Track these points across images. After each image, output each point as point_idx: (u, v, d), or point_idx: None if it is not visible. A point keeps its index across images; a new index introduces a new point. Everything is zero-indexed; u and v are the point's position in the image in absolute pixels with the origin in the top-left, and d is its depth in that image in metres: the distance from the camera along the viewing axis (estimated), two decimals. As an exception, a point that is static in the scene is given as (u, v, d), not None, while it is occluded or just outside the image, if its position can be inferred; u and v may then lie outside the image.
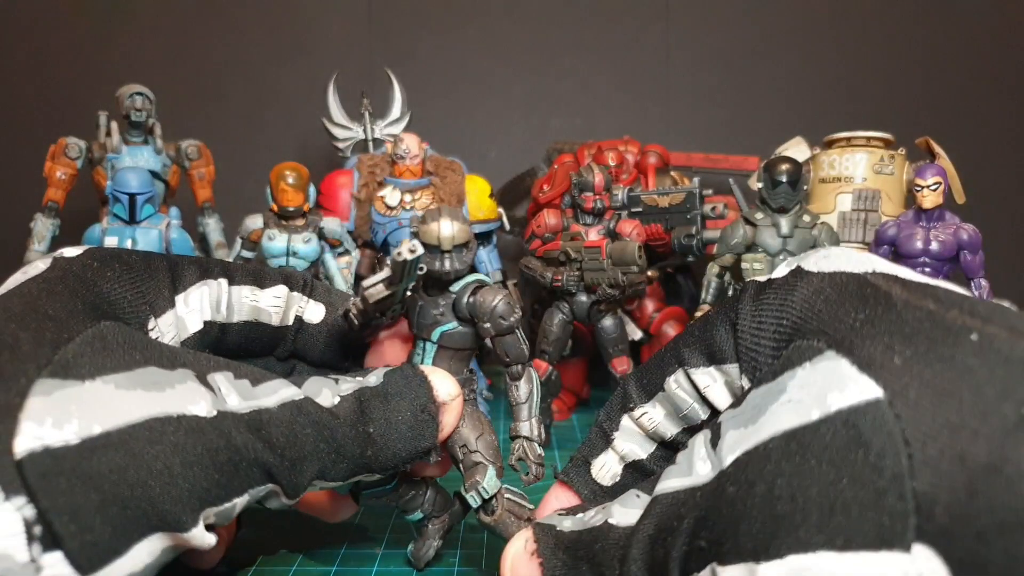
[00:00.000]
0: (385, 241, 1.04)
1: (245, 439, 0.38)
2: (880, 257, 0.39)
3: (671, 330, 1.08)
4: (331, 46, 1.50)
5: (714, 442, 0.35)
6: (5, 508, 0.32)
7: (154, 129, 1.13)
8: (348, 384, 0.45)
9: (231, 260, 0.86)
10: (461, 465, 0.50)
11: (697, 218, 0.94)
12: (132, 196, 0.93)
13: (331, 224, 1.01)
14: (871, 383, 0.29)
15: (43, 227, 1.08)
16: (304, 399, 0.42)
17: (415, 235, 0.50)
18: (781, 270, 0.40)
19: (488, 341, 0.51)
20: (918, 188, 0.91)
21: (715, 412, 0.43)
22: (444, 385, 0.47)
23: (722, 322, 0.42)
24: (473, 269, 0.52)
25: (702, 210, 0.95)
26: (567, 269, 0.88)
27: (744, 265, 0.89)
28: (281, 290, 0.55)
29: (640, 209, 0.96)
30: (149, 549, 0.36)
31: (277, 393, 0.41)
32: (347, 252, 1.04)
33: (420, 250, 0.45)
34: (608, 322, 0.90)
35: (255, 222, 0.99)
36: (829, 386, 0.30)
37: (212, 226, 1.17)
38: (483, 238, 1.11)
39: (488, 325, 0.49)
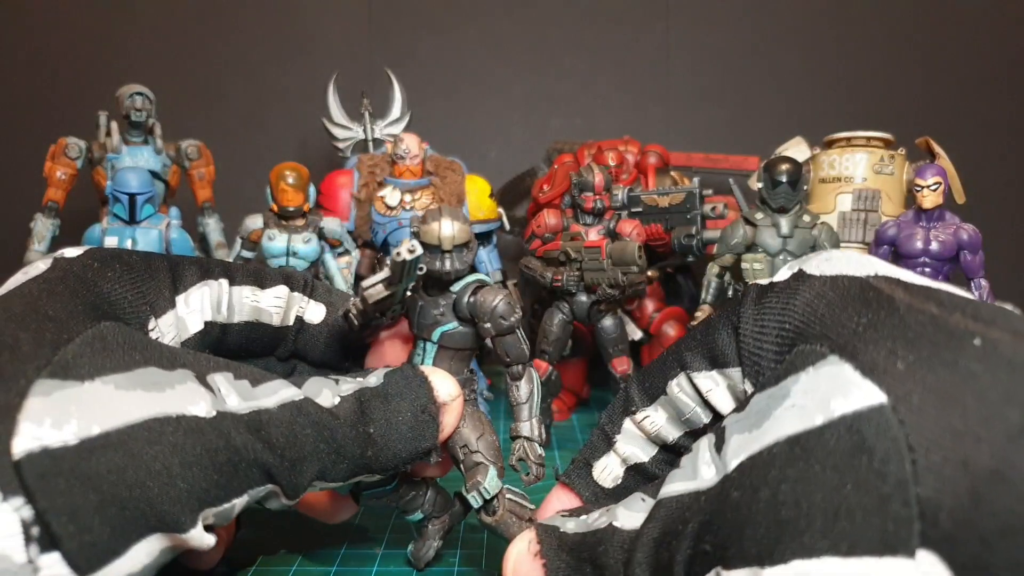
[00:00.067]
0: (385, 241, 1.04)
1: (244, 439, 0.38)
2: (881, 260, 0.38)
3: (671, 330, 1.08)
4: (331, 46, 1.50)
5: (718, 446, 0.35)
6: (3, 509, 0.32)
7: (154, 129, 1.13)
8: (348, 385, 0.45)
9: (231, 260, 0.86)
10: (462, 465, 0.50)
11: (697, 218, 0.94)
12: (132, 196, 0.93)
13: (331, 224, 1.01)
14: (875, 388, 0.29)
15: (43, 227, 1.08)
16: (304, 399, 0.42)
17: (415, 235, 0.50)
18: (783, 273, 0.40)
19: (488, 341, 0.50)
20: (918, 188, 0.91)
21: (717, 416, 0.43)
22: (444, 385, 0.46)
23: (724, 326, 0.42)
24: (473, 269, 0.52)
25: (702, 210, 0.95)
26: (567, 269, 0.88)
27: (744, 265, 0.89)
28: (282, 290, 0.55)
29: (640, 209, 0.96)
30: (148, 550, 0.36)
31: (277, 394, 0.41)
32: (347, 252, 1.04)
33: (419, 250, 0.45)
34: (608, 322, 0.90)
35: (255, 222, 0.99)
36: (833, 391, 0.30)
37: (212, 226, 1.17)
38: (483, 238, 1.11)
39: (488, 325, 0.49)
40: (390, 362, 0.55)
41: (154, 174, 1.09)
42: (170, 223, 0.97)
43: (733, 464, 0.33)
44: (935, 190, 0.90)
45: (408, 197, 1.04)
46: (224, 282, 0.52)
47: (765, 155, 1.02)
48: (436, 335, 0.51)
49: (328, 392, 0.43)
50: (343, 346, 0.57)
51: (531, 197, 1.09)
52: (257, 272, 0.55)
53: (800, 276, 0.38)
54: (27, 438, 0.33)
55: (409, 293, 0.51)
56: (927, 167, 0.92)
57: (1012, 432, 0.26)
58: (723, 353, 0.41)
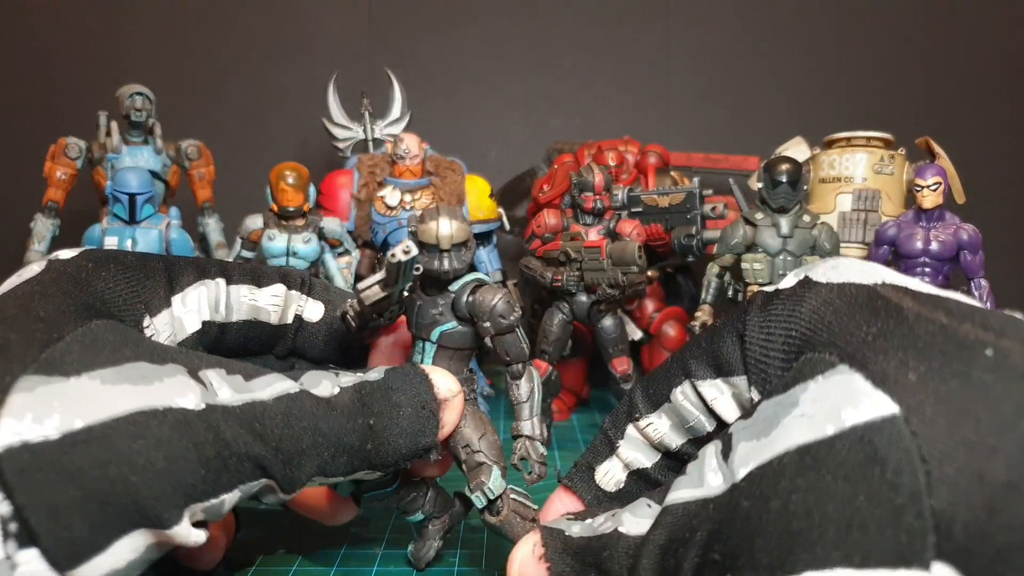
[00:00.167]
0: (385, 241, 1.04)
1: (235, 432, 0.38)
2: (883, 264, 0.38)
3: (671, 330, 1.08)
4: (331, 46, 1.50)
5: (725, 454, 0.35)
6: None
7: (154, 129, 1.13)
8: (348, 377, 0.44)
9: (231, 260, 0.86)
10: (464, 466, 0.50)
11: (697, 218, 0.94)
12: (132, 196, 0.93)
13: (331, 224, 1.01)
14: (886, 399, 0.29)
15: (43, 227, 1.08)
16: (300, 391, 0.41)
17: (413, 234, 0.50)
18: (789, 280, 0.40)
19: (488, 340, 0.50)
20: (918, 188, 0.91)
21: (721, 424, 0.43)
22: (445, 382, 0.46)
23: (729, 333, 0.41)
24: (473, 269, 0.52)
25: (702, 210, 0.95)
26: (567, 269, 0.88)
27: (744, 265, 0.89)
28: (279, 289, 0.55)
29: (640, 209, 0.96)
30: (132, 546, 0.36)
31: (272, 386, 0.41)
32: (347, 252, 1.04)
33: (414, 251, 0.45)
34: (608, 322, 0.90)
35: (255, 222, 0.99)
36: (843, 401, 0.30)
37: (212, 226, 1.17)
38: (483, 238, 1.11)
39: (488, 324, 0.49)
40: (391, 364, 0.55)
41: (154, 174, 1.09)
42: (170, 223, 0.97)
43: (741, 472, 0.32)
44: (935, 190, 0.90)
45: (408, 197, 1.04)
46: (221, 281, 0.52)
47: (765, 155, 1.02)
48: (435, 335, 0.51)
49: (327, 383, 0.43)
50: (342, 344, 0.57)
51: (531, 197, 1.09)
52: (254, 271, 0.55)
53: (806, 283, 0.38)
54: (7, 433, 0.33)
55: (407, 293, 0.51)
56: (927, 167, 0.92)
57: None
58: (728, 361, 0.41)
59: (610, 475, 0.49)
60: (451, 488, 0.58)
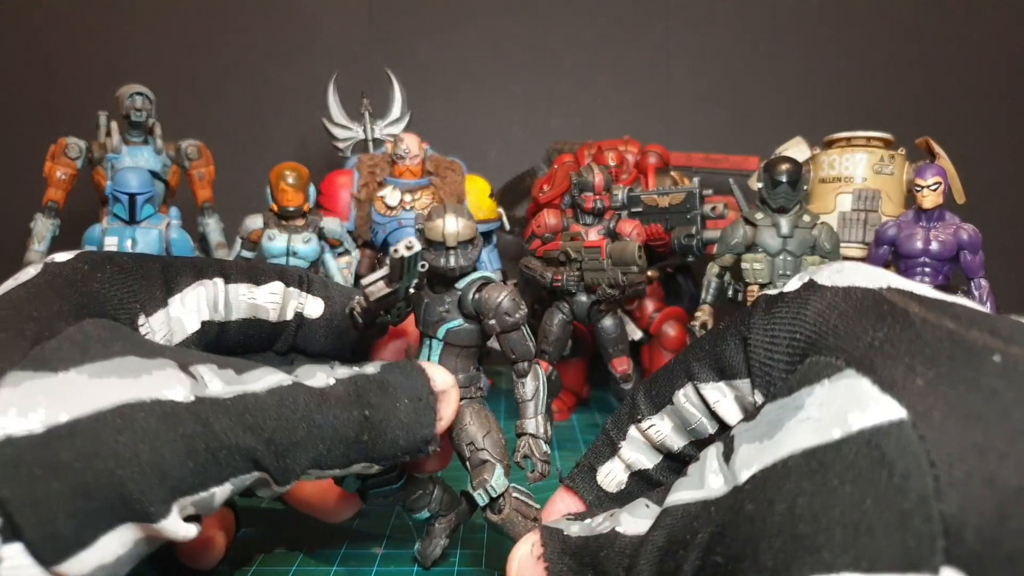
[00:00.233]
0: (385, 241, 1.04)
1: (225, 424, 0.37)
2: (889, 270, 0.38)
3: (671, 330, 1.08)
4: (331, 46, 1.50)
5: (727, 456, 0.35)
6: None
7: (154, 129, 1.13)
8: (344, 370, 0.44)
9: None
10: (468, 463, 0.50)
11: (697, 218, 0.94)
12: (132, 196, 0.93)
13: (331, 224, 1.01)
14: (894, 403, 0.29)
15: (43, 227, 1.08)
16: (294, 383, 0.41)
17: (420, 231, 0.50)
18: (793, 283, 0.40)
19: (494, 338, 0.50)
20: (918, 188, 0.91)
21: (723, 426, 0.43)
22: (441, 375, 0.46)
23: (732, 336, 0.41)
24: (475, 269, 0.52)
25: (702, 210, 0.95)
26: (567, 269, 0.88)
27: (744, 265, 0.89)
28: (277, 286, 0.54)
29: (640, 209, 0.96)
30: (120, 540, 0.35)
31: (264, 379, 0.40)
32: (347, 252, 1.04)
33: (417, 247, 0.45)
34: (608, 322, 0.90)
35: (255, 222, 0.99)
36: (850, 405, 0.30)
37: (212, 226, 1.17)
38: (483, 238, 1.11)
39: (493, 322, 0.49)
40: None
41: (154, 174, 1.09)
42: (170, 223, 0.97)
43: (744, 475, 0.32)
44: (935, 190, 0.90)
45: (408, 197, 1.04)
46: (219, 281, 0.52)
47: (765, 155, 1.02)
48: (441, 332, 0.51)
49: (322, 375, 0.43)
50: (343, 340, 0.57)
51: (531, 197, 1.09)
52: (252, 269, 0.55)
53: (811, 286, 0.38)
54: None
55: (413, 290, 0.51)
56: (927, 167, 0.92)
57: None
58: (731, 364, 0.41)
59: (612, 476, 0.49)
60: (458, 487, 0.58)
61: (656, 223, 0.95)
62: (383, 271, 0.47)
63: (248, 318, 0.53)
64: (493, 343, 0.52)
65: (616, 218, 0.94)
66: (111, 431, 0.34)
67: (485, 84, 1.53)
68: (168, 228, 0.96)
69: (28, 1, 1.47)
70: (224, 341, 0.53)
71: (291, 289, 0.55)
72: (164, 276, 0.49)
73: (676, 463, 0.47)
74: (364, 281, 0.48)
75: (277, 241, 0.98)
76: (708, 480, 0.35)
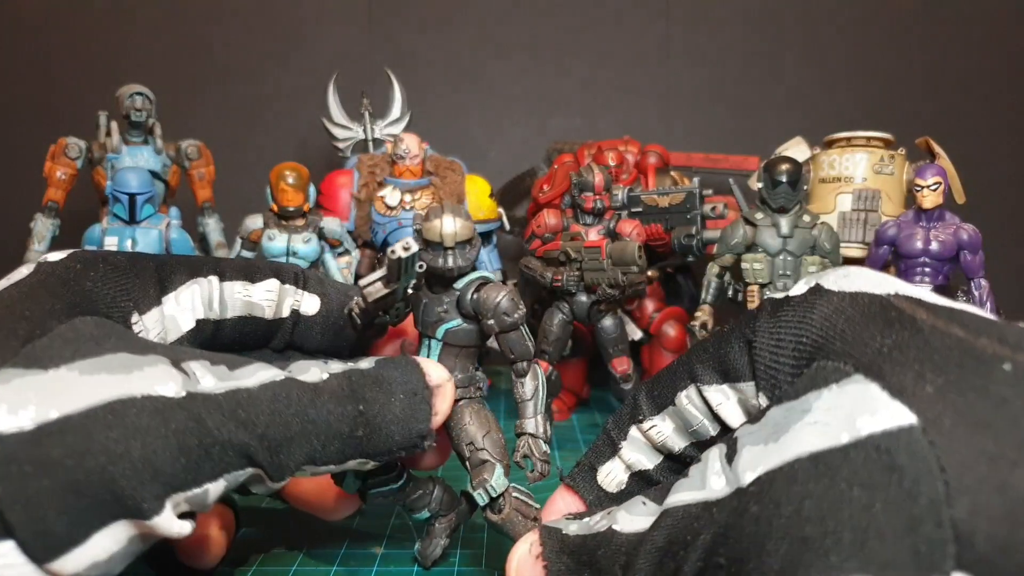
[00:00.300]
0: (385, 241, 1.04)
1: (217, 420, 0.37)
2: (896, 277, 0.38)
3: (671, 330, 1.08)
4: (331, 46, 1.50)
5: (730, 458, 0.35)
6: None
7: (154, 129, 1.13)
8: (338, 365, 0.44)
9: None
10: (468, 463, 0.50)
11: (697, 218, 0.94)
12: (132, 196, 0.93)
13: (331, 224, 1.01)
14: (904, 409, 0.29)
15: (43, 227, 1.08)
16: (287, 378, 0.41)
17: (418, 232, 0.50)
18: (799, 287, 0.40)
19: (493, 338, 0.50)
20: (918, 188, 0.91)
21: (725, 428, 0.43)
22: (436, 370, 0.46)
23: (737, 339, 0.41)
24: (474, 269, 0.52)
25: (702, 210, 0.95)
26: (567, 269, 0.88)
27: (744, 265, 0.89)
28: (273, 283, 0.54)
29: (640, 209, 0.96)
30: (113, 537, 0.35)
31: (257, 375, 0.40)
32: (347, 252, 1.04)
33: (414, 248, 0.45)
34: (608, 322, 0.90)
35: (255, 222, 0.99)
36: (859, 410, 0.30)
37: (212, 226, 1.17)
38: (483, 238, 1.11)
39: (492, 322, 0.49)
40: None
41: (154, 174, 1.09)
42: (170, 223, 0.97)
43: (748, 477, 0.32)
44: (935, 190, 0.90)
45: (408, 197, 1.04)
46: (214, 279, 0.52)
47: (765, 155, 1.02)
48: (440, 332, 0.51)
49: (316, 370, 0.43)
50: (339, 337, 0.57)
51: (531, 197, 1.09)
52: (247, 267, 0.54)
53: (817, 290, 0.38)
54: None
55: (411, 291, 0.51)
56: (927, 167, 0.92)
57: None
58: (735, 367, 0.41)
59: (612, 476, 0.49)
60: (458, 487, 0.58)
61: (656, 223, 0.95)
62: (380, 272, 0.47)
63: (243, 316, 0.53)
64: (493, 343, 0.52)
65: (616, 218, 0.94)
66: (102, 427, 0.34)
67: (485, 84, 1.53)
68: (168, 228, 0.96)
69: (28, 1, 1.47)
70: (220, 339, 0.53)
71: (287, 286, 0.55)
72: (158, 274, 0.49)
73: (677, 464, 0.47)
74: (362, 282, 0.48)
75: (277, 241, 0.98)
76: (710, 481, 0.35)
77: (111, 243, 0.93)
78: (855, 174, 1.02)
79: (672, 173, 1.15)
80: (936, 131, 1.03)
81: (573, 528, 0.41)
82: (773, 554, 0.29)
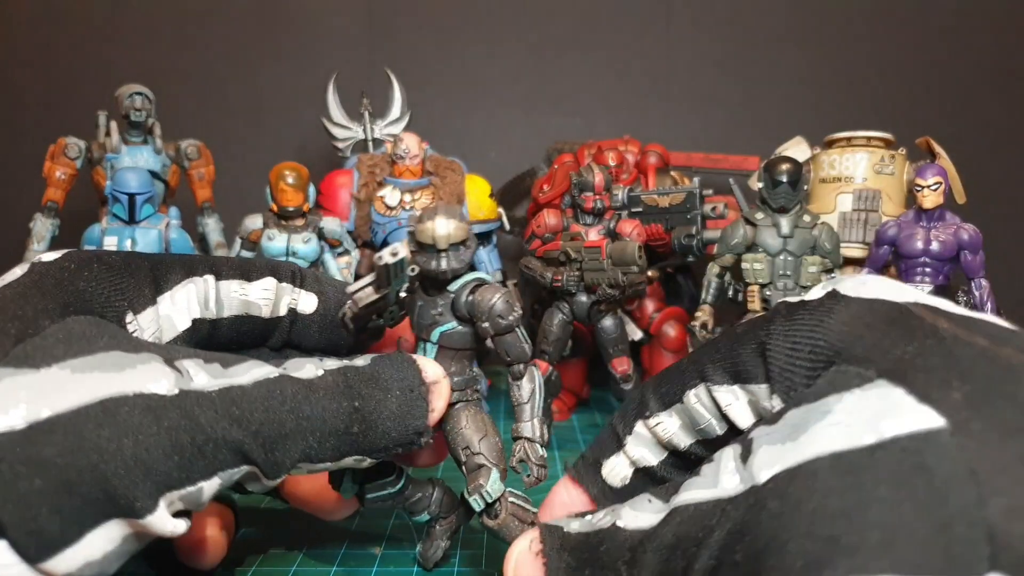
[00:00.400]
0: (385, 241, 1.04)
1: (210, 418, 0.37)
2: (907, 285, 0.38)
3: (671, 330, 1.08)
4: (331, 46, 1.50)
5: (744, 457, 0.34)
6: None
7: (154, 129, 1.13)
8: (334, 362, 0.44)
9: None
10: (464, 467, 0.50)
11: (697, 218, 0.94)
12: (131, 196, 0.93)
13: (331, 224, 1.01)
14: (932, 412, 0.29)
15: (43, 227, 1.08)
16: (281, 375, 0.41)
17: (411, 234, 0.49)
18: (816, 292, 0.39)
19: (488, 341, 0.50)
20: (918, 188, 0.91)
21: (733, 429, 0.43)
22: (431, 367, 0.46)
23: (750, 341, 0.41)
24: (473, 269, 0.51)
25: (702, 210, 0.95)
26: (567, 269, 0.88)
27: (744, 265, 0.89)
28: (270, 282, 0.54)
29: (640, 209, 0.96)
30: (107, 536, 0.35)
31: (250, 372, 0.40)
32: (347, 252, 1.04)
33: (402, 253, 0.44)
34: (608, 322, 0.90)
35: (255, 222, 0.99)
36: (884, 413, 0.30)
37: (212, 226, 1.17)
38: (483, 238, 1.11)
39: (487, 324, 0.48)
40: None
41: (154, 174, 1.09)
42: (170, 223, 0.97)
43: (764, 475, 0.32)
44: (935, 190, 0.90)
45: (408, 197, 1.04)
46: (210, 278, 0.52)
47: (765, 155, 1.02)
48: (435, 335, 0.50)
49: (310, 367, 0.42)
50: (337, 335, 0.57)
51: (531, 197, 1.09)
52: (243, 265, 0.54)
53: (835, 296, 0.38)
54: None
55: (404, 295, 0.50)
56: (927, 167, 0.92)
57: None
58: (747, 369, 0.41)
59: (616, 471, 0.48)
60: (457, 488, 0.58)
61: (656, 223, 0.95)
62: (369, 277, 0.47)
63: (240, 315, 0.53)
64: (491, 344, 0.51)
65: (616, 218, 0.94)
66: (94, 426, 0.34)
67: (485, 84, 1.53)
68: (168, 228, 0.96)
69: (28, 1, 1.47)
70: (216, 338, 0.52)
71: (284, 285, 0.55)
72: (153, 274, 0.49)
73: (682, 461, 0.47)
74: (350, 289, 0.48)
75: (277, 241, 0.97)
76: (723, 480, 0.34)
77: (110, 243, 0.93)
78: (855, 174, 1.02)
79: (672, 173, 1.15)
80: (936, 131, 1.03)
81: (575, 526, 0.41)
82: (796, 552, 0.28)
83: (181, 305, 0.50)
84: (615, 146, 1.11)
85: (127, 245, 0.93)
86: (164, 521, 0.36)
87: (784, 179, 0.88)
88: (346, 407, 0.42)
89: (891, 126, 1.04)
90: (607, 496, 0.48)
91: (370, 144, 1.20)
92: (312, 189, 1.00)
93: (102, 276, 0.45)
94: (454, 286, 0.50)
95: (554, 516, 0.49)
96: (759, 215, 0.90)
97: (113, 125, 1.12)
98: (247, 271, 0.54)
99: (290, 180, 0.96)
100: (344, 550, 0.62)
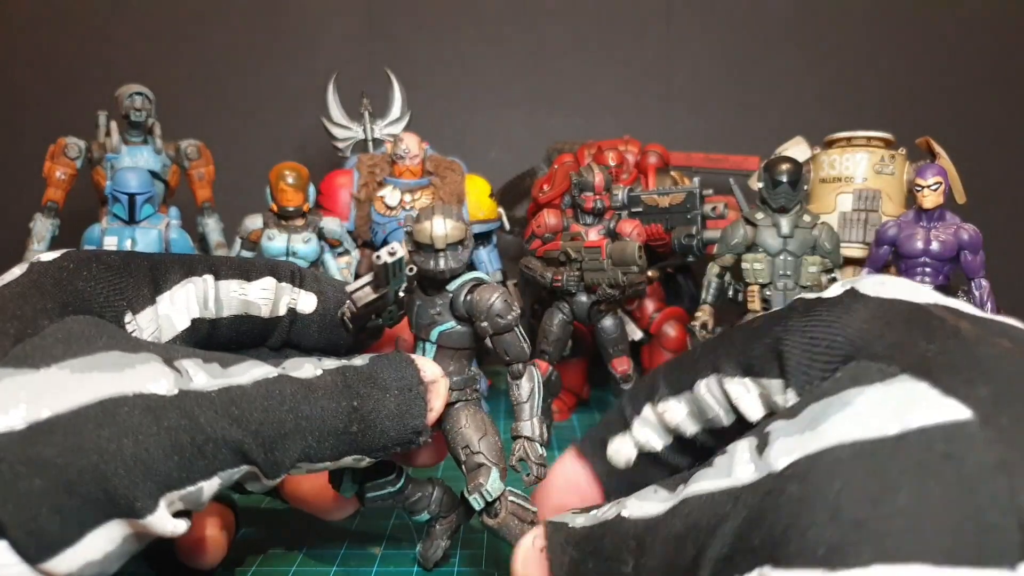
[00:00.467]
0: (385, 241, 1.04)
1: (210, 417, 0.37)
2: (935, 290, 0.38)
3: (671, 330, 1.08)
4: (331, 46, 1.50)
5: (761, 449, 0.34)
6: None
7: (154, 129, 1.13)
8: (332, 362, 0.44)
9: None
10: (464, 467, 0.50)
11: (697, 218, 0.94)
12: (131, 196, 0.93)
13: (331, 224, 1.01)
14: (958, 405, 0.28)
15: (43, 227, 1.08)
16: (280, 375, 0.41)
17: (409, 234, 0.49)
18: (833, 289, 0.39)
19: (487, 340, 0.50)
20: (918, 188, 0.91)
21: (741, 421, 0.43)
22: (429, 367, 0.46)
23: (765, 335, 0.41)
24: (471, 268, 0.51)
25: (702, 210, 0.95)
26: (567, 269, 0.88)
27: (744, 265, 0.89)
28: (269, 282, 0.54)
29: (640, 209, 0.96)
30: (107, 537, 0.35)
31: (250, 372, 0.40)
32: (347, 252, 1.04)
33: (400, 253, 0.45)
34: (608, 322, 0.90)
35: (255, 222, 0.99)
36: (909, 405, 0.29)
37: (212, 226, 1.17)
38: (483, 238, 1.11)
39: (486, 324, 0.48)
40: None
41: (154, 174, 1.09)
42: (169, 223, 0.97)
43: (782, 462, 0.31)
44: (935, 190, 0.90)
45: (408, 197, 1.04)
46: (209, 278, 0.51)
47: (765, 155, 1.02)
48: (434, 335, 0.50)
49: (309, 367, 0.43)
50: (336, 334, 0.57)
51: (531, 197, 1.09)
52: (243, 265, 0.54)
53: (853, 294, 0.38)
54: None
55: (402, 294, 0.50)
56: (927, 167, 0.92)
57: None
58: (760, 363, 0.40)
59: (621, 452, 0.48)
60: (457, 488, 0.58)
61: (656, 223, 0.95)
62: (368, 277, 0.47)
63: (240, 314, 0.53)
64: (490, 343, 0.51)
65: (616, 218, 0.94)
66: (93, 426, 0.34)
67: (485, 84, 1.53)
68: (167, 228, 0.96)
69: (28, 1, 1.47)
70: (216, 338, 0.52)
71: (283, 284, 0.55)
72: (152, 274, 0.49)
73: (687, 448, 0.46)
74: (349, 288, 0.48)
75: (276, 241, 0.97)
76: (737, 470, 0.33)
77: (110, 243, 0.93)
78: (855, 174, 1.02)
79: (672, 173, 1.15)
80: (936, 131, 1.03)
81: (580, 520, 0.41)
82: (818, 536, 0.28)
83: (180, 305, 0.50)
84: (615, 146, 1.11)
85: (127, 245, 0.93)
86: (164, 521, 0.36)
87: (784, 179, 0.88)
88: (345, 406, 0.42)
89: (891, 126, 1.04)
90: (611, 475, 0.48)
91: (370, 144, 1.20)
92: (312, 189, 1.00)
93: (101, 276, 0.45)
94: (452, 286, 0.50)
95: (555, 488, 0.49)
96: (759, 215, 0.90)
97: (113, 125, 1.12)
98: (246, 271, 0.54)
99: (290, 180, 0.96)
100: (344, 550, 0.62)
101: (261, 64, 1.50)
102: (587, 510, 0.43)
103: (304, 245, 0.98)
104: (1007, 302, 0.95)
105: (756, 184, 0.94)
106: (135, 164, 1.08)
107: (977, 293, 0.90)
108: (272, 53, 1.50)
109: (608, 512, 0.39)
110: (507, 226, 1.15)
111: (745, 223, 0.91)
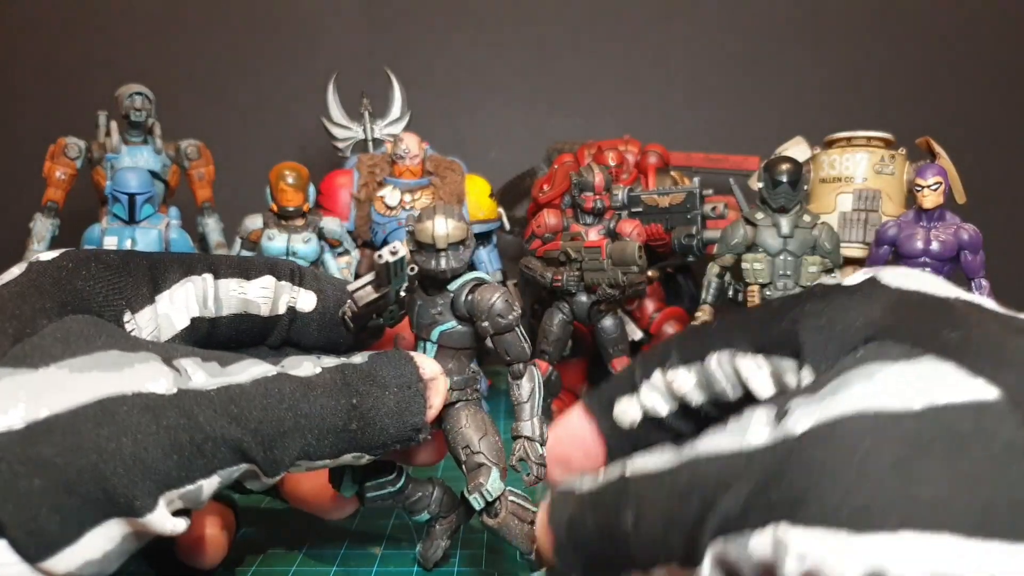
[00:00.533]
0: (385, 241, 1.04)
1: (209, 416, 0.37)
2: (943, 279, 0.37)
3: (671, 330, 1.08)
4: (331, 46, 1.50)
5: (780, 417, 0.33)
6: None
7: (154, 129, 1.13)
8: (331, 360, 0.44)
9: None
10: (464, 467, 0.50)
11: (697, 218, 0.94)
12: (131, 196, 0.94)
13: (331, 224, 1.01)
14: (987, 384, 0.28)
15: (42, 227, 1.08)
16: (279, 373, 0.41)
17: (411, 234, 0.49)
18: (855, 277, 0.39)
19: (488, 340, 0.50)
20: (919, 188, 0.91)
21: (748, 397, 0.42)
22: (429, 364, 0.46)
23: (783, 316, 0.40)
24: (472, 268, 0.51)
25: (702, 210, 0.95)
26: (567, 269, 0.88)
27: (744, 265, 0.89)
28: (268, 280, 0.54)
29: (640, 209, 0.96)
30: (107, 536, 0.35)
31: (249, 370, 0.40)
32: (347, 252, 1.04)
33: (402, 252, 0.45)
34: (608, 322, 0.90)
35: (255, 222, 0.99)
36: (935, 383, 0.29)
37: (212, 226, 1.17)
38: (483, 238, 1.11)
39: (486, 324, 0.48)
40: None
41: (154, 174, 1.09)
42: (169, 223, 0.97)
43: (801, 427, 0.30)
44: (935, 190, 0.90)
45: (408, 197, 1.04)
46: (208, 277, 0.51)
47: (765, 155, 1.02)
48: (435, 334, 0.51)
49: (308, 365, 0.43)
50: (336, 333, 0.57)
51: (531, 197, 1.09)
52: (242, 263, 0.54)
53: (875, 283, 0.38)
54: None
55: (404, 294, 0.50)
56: (927, 167, 0.92)
57: None
58: (777, 342, 0.40)
59: (627, 413, 0.48)
60: (457, 487, 0.58)
61: (656, 223, 0.95)
62: (369, 276, 0.47)
63: (239, 313, 0.53)
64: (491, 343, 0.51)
65: (616, 218, 0.94)
66: (92, 425, 0.34)
67: (485, 84, 1.53)
68: (167, 228, 0.96)
69: (28, 1, 1.47)
70: (215, 337, 0.52)
71: (282, 283, 0.55)
72: (151, 273, 0.49)
73: (691, 416, 0.46)
74: (350, 287, 0.48)
75: (277, 241, 0.97)
76: (751, 433, 0.33)
77: (110, 243, 0.93)
78: (855, 174, 1.02)
79: (672, 173, 1.15)
80: (936, 131, 1.03)
81: (587, 483, 0.40)
82: (840, 500, 0.27)
83: (180, 304, 0.50)
84: (615, 146, 1.11)
85: (127, 245, 0.93)
86: (164, 520, 0.36)
87: (784, 179, 0.88)
88: (344, 404, 0.42)
89: (891, 126, 1.04)
90: (616, 433, 0.48)
91: (370, 144, 1.20)
92: (312, 189, 1.00)
93: (100, 275, 0.45)
94: (453, 285, 0.50)
95: (559, 441, 0.50)
96: (759, 215, 0.90)
97: (113, 125, 1.12)
98: (246, 269, 0.54)
99: (290, 180, 0.97)
100: (344, 550, 0.62)
101: (261, 64, 1.50)
102: (594, 474, 0.43)
103: (304, 245, 0.98)
104: (1007, 302, 0.94)
105: (756, 184, 0.94)
106: (135, 164, 1.08)
107: (977, 293, 0.90)
108: (272, 53, 1.50)
109: (612, 472, 0.39)
110: (507, 226, 1.15)
111: (745, 223, 0.91)
